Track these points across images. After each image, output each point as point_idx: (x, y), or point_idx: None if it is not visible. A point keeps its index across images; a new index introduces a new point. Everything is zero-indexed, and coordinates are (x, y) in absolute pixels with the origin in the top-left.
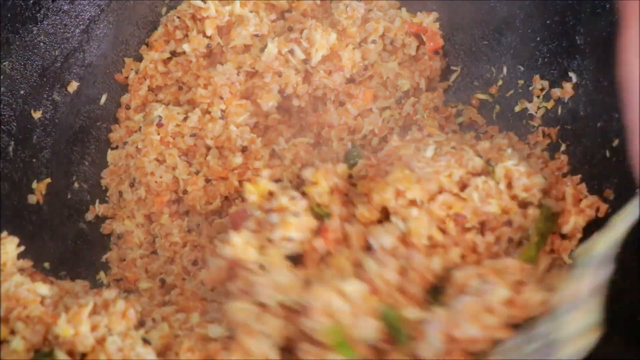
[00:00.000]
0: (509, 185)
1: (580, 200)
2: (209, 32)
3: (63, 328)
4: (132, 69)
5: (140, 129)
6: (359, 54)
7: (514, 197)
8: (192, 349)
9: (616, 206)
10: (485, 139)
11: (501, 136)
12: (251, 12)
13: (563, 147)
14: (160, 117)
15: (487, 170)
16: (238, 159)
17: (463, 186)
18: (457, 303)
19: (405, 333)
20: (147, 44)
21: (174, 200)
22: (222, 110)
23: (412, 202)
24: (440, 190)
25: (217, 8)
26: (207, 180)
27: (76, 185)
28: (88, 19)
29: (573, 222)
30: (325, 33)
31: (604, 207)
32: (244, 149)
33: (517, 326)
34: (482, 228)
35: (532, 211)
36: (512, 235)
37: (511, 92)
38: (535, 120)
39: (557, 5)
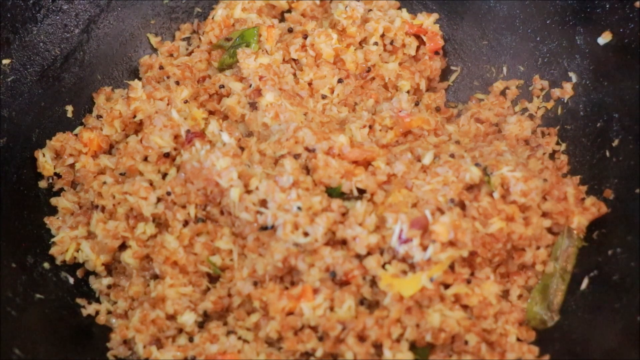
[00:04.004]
0: (507, 192)
1: (583, 199)
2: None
3: None
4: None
5: None
6: (361, 55)
7: (513, 202)
8: None
9: (616, 206)
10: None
11: (500, 136)
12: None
13: (563, 147)
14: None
15: (484, 180)
16: None
17: (461, 205)
18: None
19: None
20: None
21: None
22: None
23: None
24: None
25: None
26: None
27: None
28: (88, 18)
29: (577, 221)
30: (327, 38)
31: (604, 207)
32: None
33: None
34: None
35: (535, 219)
36: (515, 244)
37: None
38: (535, 121)
39: (557, 5)
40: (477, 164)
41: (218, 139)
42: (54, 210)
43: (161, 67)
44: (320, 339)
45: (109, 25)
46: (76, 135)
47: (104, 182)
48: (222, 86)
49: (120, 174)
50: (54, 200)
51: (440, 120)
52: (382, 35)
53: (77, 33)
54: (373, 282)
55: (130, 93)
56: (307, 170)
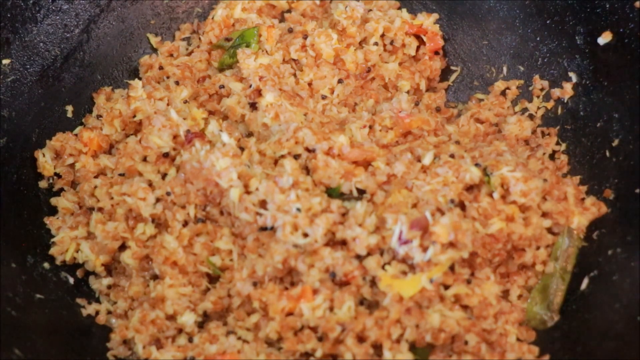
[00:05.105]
0: (507, 192)
1: (583, 199)
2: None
3: None
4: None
5: None
6: (361, 55)
7: (513, 202)
8: None
9: (616, 206)
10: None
11: (500, 136)
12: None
13: (563, 147)
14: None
15: (484, 180)
16: None
17: (461, 205)
18: None
19: None
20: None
21: None
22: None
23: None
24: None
25: None
26: None
27: None
28: (88, 18)
29: (577, 221)
30: (327, 38)
31: (604, 207)
32: None
33: None
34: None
35: (535, 219)
36: (515, 244)
37: None
38: (535, 121)
39: (557, 5)
40: (477, 164)
41: (218, 139)
42: (54, 210)
43: (161, 67)
44: (320, 339)
45: (109, 25)
46: (76, 135)
47: (95, 186)
48: (222, 86)
49: (120, 175)
50: (54, 200)
51: (440, 121)
52: (382, 35)
53: (77, 33)
54: (373, 283)
55: (130, 92)
56: (307, 170)
